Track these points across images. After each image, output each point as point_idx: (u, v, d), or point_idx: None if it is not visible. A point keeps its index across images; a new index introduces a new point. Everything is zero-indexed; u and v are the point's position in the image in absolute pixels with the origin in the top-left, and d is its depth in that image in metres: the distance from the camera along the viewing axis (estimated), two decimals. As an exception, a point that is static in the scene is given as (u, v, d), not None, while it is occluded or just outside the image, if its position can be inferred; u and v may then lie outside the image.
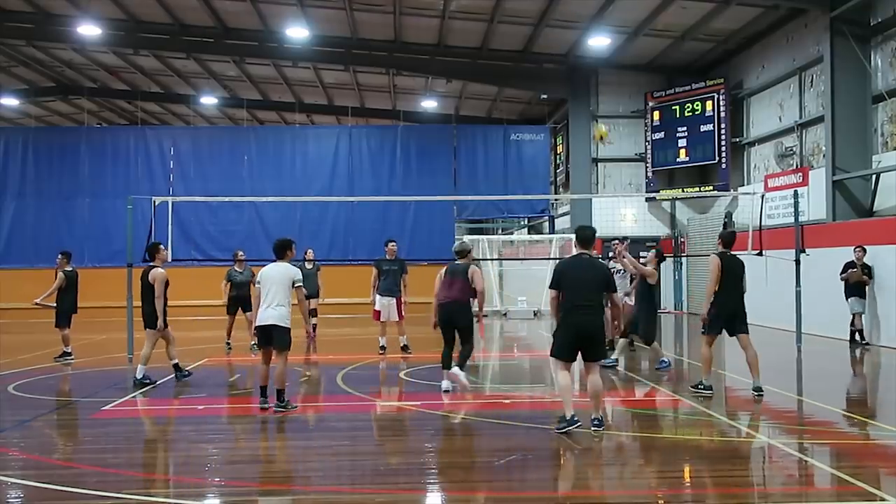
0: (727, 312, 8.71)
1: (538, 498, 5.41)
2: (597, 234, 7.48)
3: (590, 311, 6.86)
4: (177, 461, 6.53)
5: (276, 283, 7.71)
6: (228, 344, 13.51)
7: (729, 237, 9.04)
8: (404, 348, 12.64)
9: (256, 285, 7.92)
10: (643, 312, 10.59)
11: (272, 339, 7.79)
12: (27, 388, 9.73)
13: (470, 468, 6.07)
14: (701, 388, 8.73)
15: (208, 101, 27.81)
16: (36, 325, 19.88)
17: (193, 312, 20.47)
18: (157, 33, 21.11)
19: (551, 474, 6.14)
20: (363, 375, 10.68)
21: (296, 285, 7.79)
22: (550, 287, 7.08)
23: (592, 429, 6.81)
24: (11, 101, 27.23)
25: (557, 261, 7.20)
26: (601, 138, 10.50)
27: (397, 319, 12.67)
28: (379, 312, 12.73)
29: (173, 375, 10.17)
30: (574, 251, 7.28)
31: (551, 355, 7.03)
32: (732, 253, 8.94)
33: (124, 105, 29.61)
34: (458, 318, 8.79)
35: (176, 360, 10.15)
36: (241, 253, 13.97)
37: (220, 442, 7.13)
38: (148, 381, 9.68)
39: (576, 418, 6.75)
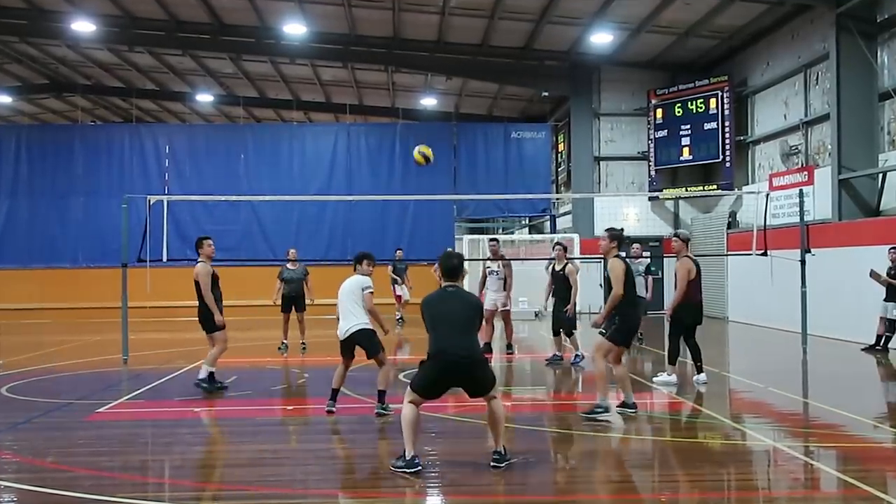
0: (635, 323, 8.00)
1: (539, 501, 5.40)
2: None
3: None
4: (173, 464, 6.48)
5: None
6: (284, 344, 13.25)
7: (622, 236, 8.07)
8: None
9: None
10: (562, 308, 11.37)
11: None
12: (21, 390, 9.60)
13: (471, 471, 5.96)
14: (598, 412, 7.57)
15: (204, 98, 27.58)
16: (31, 326, 19.65)
17: (190, 313, 20.20)
18: (153, 30, 20.91)
19: (552, 477, 6.07)
20: (361, 377, 10.44)
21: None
22: None
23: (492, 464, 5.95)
24: (4, 99, 26.99)
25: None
26: (426, 160, 10.45)
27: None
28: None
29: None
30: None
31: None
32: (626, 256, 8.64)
33: (119, 102, 29.41)
34: None
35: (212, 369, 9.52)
36: (293, 251, 13.73)
37: (216, 445, 7.05)
38: (206, 384, 9.25)
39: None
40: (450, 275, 6.31)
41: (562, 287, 11.50)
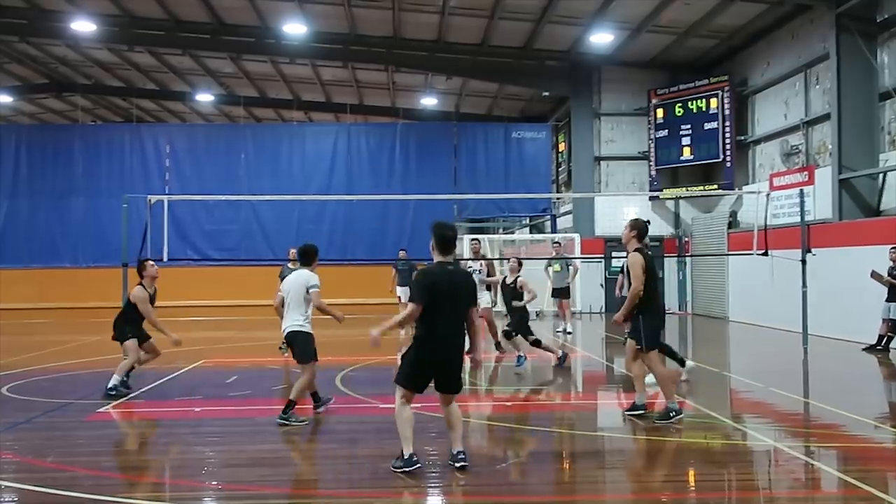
0: (662, 319, 7.71)
1: (539, 501, 5.39)
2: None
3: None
4: (173, 464, 6.45)
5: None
6: (285, 344, 13.13)
7: (645, 228, 7.65)
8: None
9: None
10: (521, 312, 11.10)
11: None
12: (21, 390, 9.56)
13: (471, 472, 5.90)
14: (673, 416, 7.30)
15: (205, 98, 27.57)
16: (31, 326, 19.63)
17: (190, 313, 20.23)
18: (153, 29, 20.92)
19: (552, 477, 6.06)
20: (362, 377, 10.49)
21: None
22: None
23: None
24: (5, 99, 26.99)
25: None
26: None
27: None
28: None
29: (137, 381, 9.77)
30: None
31: None
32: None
33: (119, 102, 29.39)
34: None
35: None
36: (294, 251, 13.72)
37: (216, 445, 6.98)
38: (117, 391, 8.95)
39: None
40: (446, 248, 5.85)
41: (510, 298, 11.19)
